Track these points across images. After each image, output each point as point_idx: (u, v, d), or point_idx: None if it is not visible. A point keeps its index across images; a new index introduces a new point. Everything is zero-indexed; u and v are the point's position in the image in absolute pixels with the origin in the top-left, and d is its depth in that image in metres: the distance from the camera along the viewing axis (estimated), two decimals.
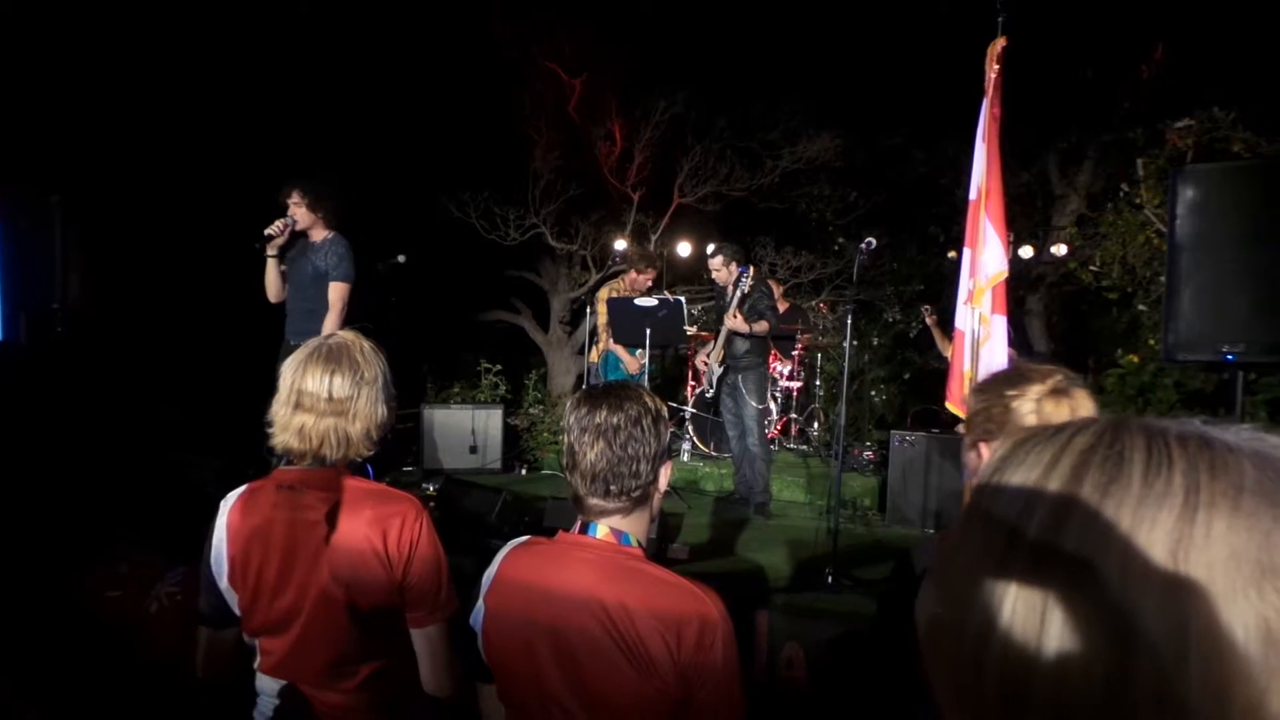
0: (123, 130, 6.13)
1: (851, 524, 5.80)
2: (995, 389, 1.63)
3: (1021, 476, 0.53)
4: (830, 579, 4.26)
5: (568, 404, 1.61)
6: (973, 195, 4.04)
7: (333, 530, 1.67)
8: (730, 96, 9.01)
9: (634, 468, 1.53)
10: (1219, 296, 2.83)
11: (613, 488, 1.53)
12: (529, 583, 1.53)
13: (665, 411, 1.62)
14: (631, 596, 1.45)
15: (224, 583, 1.75)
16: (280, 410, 1.74)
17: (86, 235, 5.48)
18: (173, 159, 6.40)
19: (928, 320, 6.95)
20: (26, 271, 5.28)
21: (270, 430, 1.75)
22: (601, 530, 1.55)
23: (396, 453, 7.24)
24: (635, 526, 1.58)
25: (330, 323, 4.60)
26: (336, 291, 4.63)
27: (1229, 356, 2.78)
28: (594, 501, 1.54)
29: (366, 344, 1.80)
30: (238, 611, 1.76)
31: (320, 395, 1.71)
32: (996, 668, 0.49)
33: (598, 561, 1.51)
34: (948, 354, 7.04)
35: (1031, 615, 0.48)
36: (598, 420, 1.54)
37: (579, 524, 1.58)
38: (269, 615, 1.71)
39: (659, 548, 4.61)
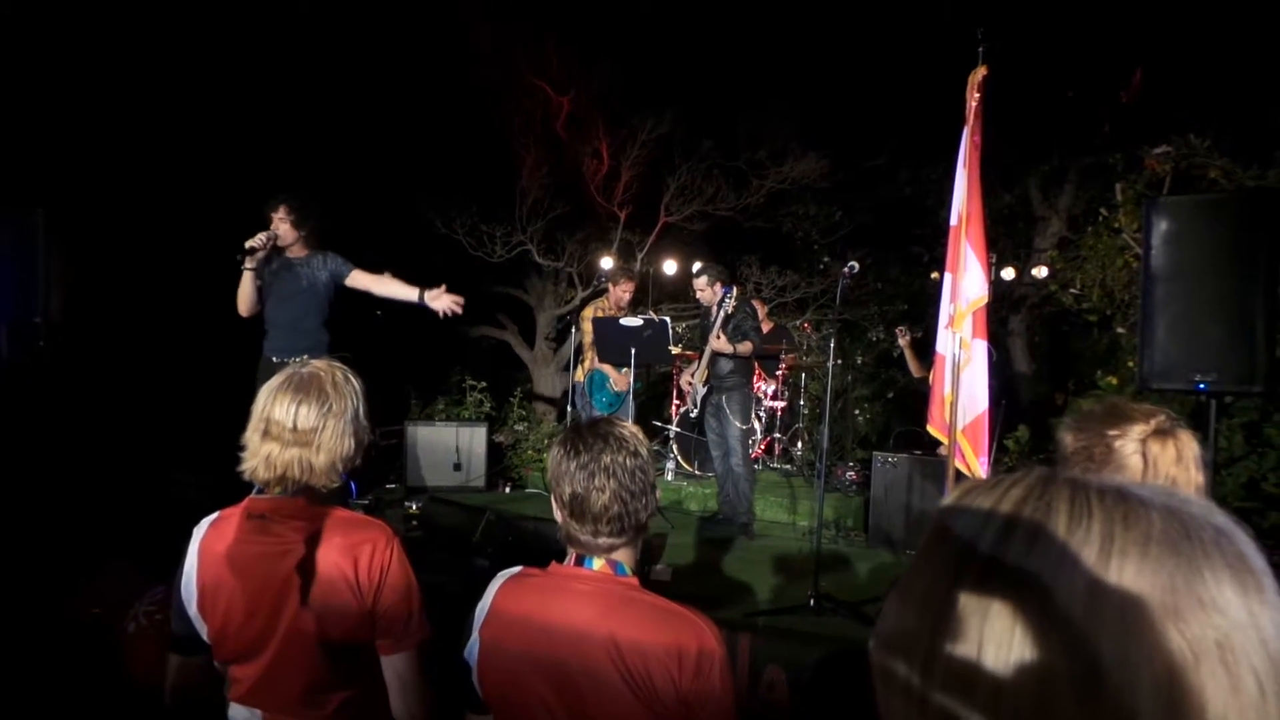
0: (107, 145, 6.12)
1: (835, 545, 5.81)
2: (1095, 428, 1.63)
3: (965, 522, 0.57)
4: (813, 601, 4.26)
5: (556, 452, 1.58)
6: (953, 221, 4.09)
7: (303, 558, 1.67)
8: (717, 116, 9.09)
9: (644, 502, 1.57)
10: (1192, 326, 2.87)
11: (626, 524, 1.54)
12: (526, 616, 1.53)
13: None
14: (633, 628, 1.46)
15: (193, 609, 1.74)
16: (250, 437, 1.74)
17: (70, 249, 5.44)
18: (157, 174, 6.39)
19: (901, 341, 7.00)
20: (9, 285, 5.23)
21: (242, 455, 1.75)
22: (598, 563, 1.56)
23: (380, 470, 7.21)
24: (629, 556, 1.60)
25: (394, 287, 4.63)
26: (364, 274, 4.64)
27: (1202, 386, 2.82)
28: (598, 540, 1.55)
29: (340, 374, 1.80)
30: (207, 639, 1.75)
31: (286, 424, 1.71)
32: (940, 684, 0.54)
33: (596, 594, 1.52)
34: (919, 375, 7.10)
35: (969, 639, 0.53)
36: (605, 462, 1.54)
37: (573, 556, 1.58)
38: (239, 643, 1.70)
39: (642, 569, 4.60)
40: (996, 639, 0.52)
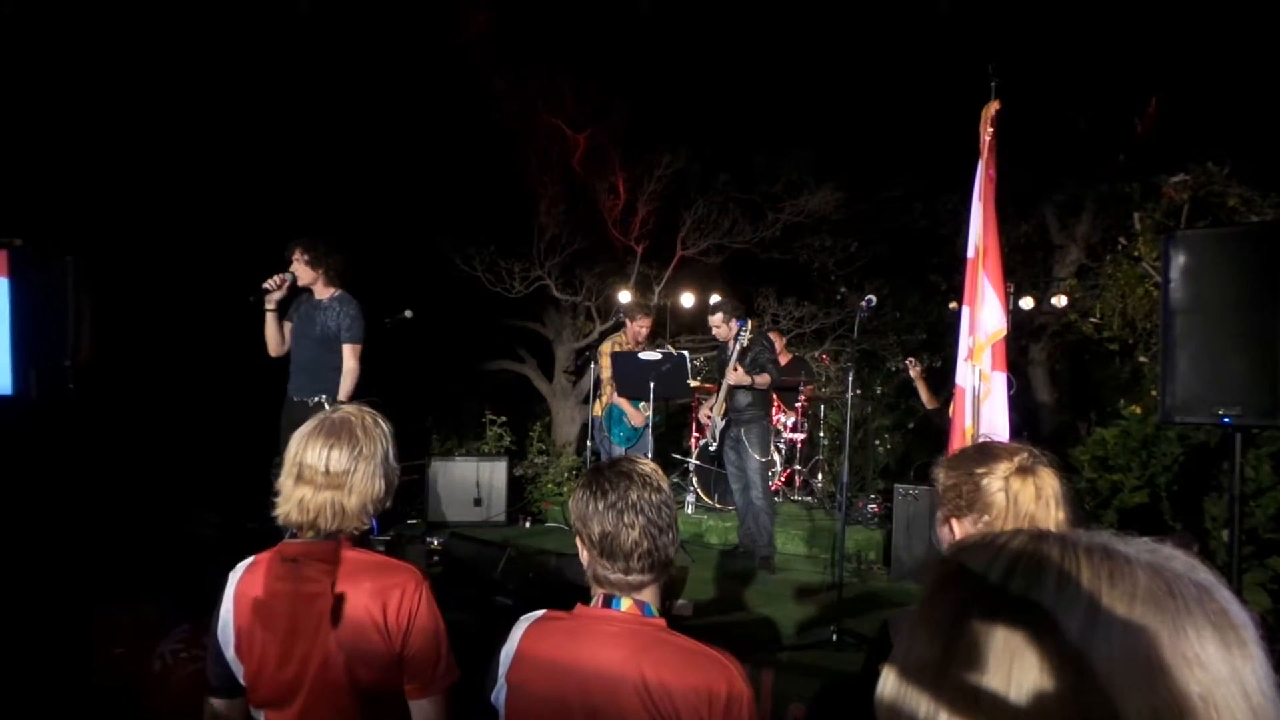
0: (135, 192, 6.26)
1: (856, 578, 5.77)
2: (964, 466, 1.67)
3: (961, 581, 0.60)
4: (835, 636, 4.23)
5: (582, 494, 1.60)
6: (970, 254, 4.11)
7: (333, 602, 1.70)
8: (732, 150, 9.16)
9: (670, 537, 1.59)
10: (1215, 359, 2.86)
11: (655, 560, 1.56)
12: (554, 659, 1.53)
13: None
14: (663, 670, 1.47)
15: (230, 653, 1.77)
16: (285, 482, 1.78)
17: (98, 294, 5.57)
18: (183, 219, 6.52)
19: (912, 372, 6.97)
20: (39, 329, 5.35)
21: (276, 500, 1.79)
22: (626, 603, 1.56)
23: (401, 506, 7.24)
24: (656, 596, 1.61)
25: (346, 386, 4.69)
26: (350, 353, 4.70)
27: (1226, 420, 2.80)
28: (629, 578, 1.56)
29: (370, 418, 1.84)
30: (243, 682, 1.77)
31: (318, 468, 1.75)
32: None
33: (625, 635, 1.52)
34: (931, 406, 7.07)
35: (966, 693, 0.56)
36: (633, 499, 1.55)
37: (600, 597, 1.59)
38: (273, 687, 1.73)
39: (663, 605, 4.59)
40: (993, 692, 0.54)
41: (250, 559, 1.82)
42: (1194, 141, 6.93)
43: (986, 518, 1.59)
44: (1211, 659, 0.52)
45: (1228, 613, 0.54)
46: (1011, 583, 0.57)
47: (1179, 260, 2.93)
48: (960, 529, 1.64)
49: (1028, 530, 0.62)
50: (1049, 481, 1.60)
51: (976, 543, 0.62)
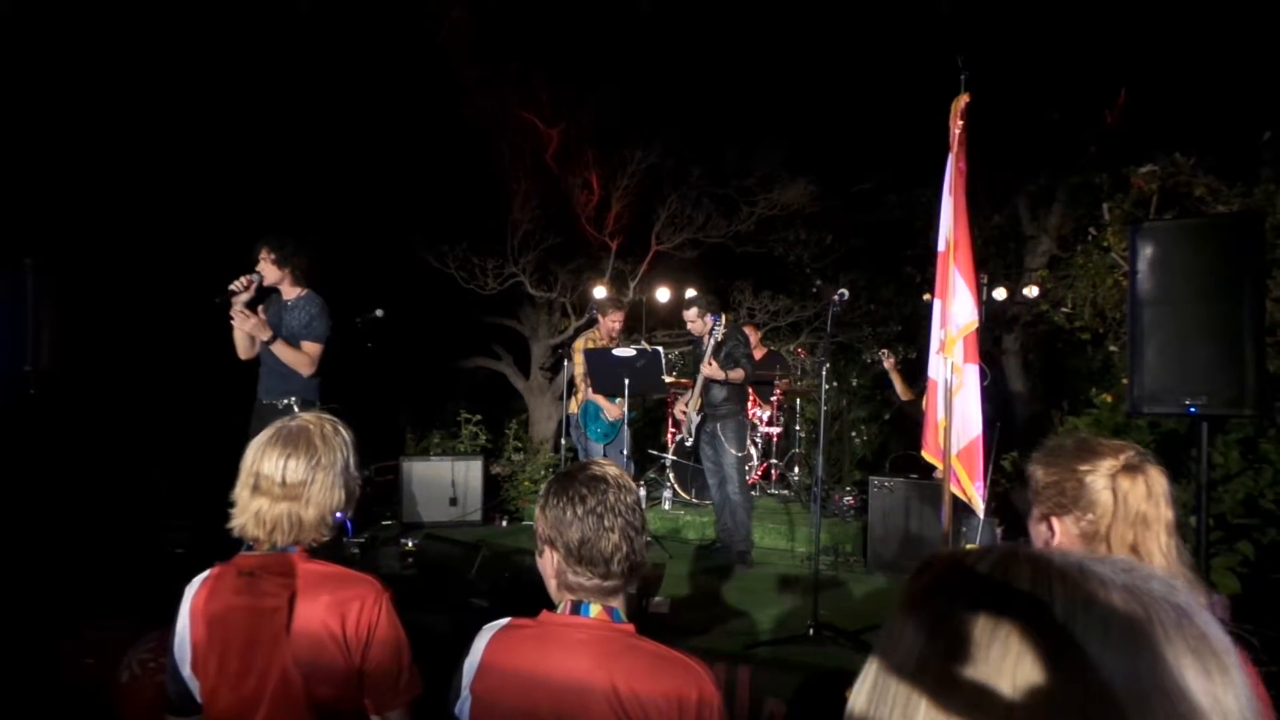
0: (96, 193, 6.14)
1: (833, 571, 5.78)
2: (1065, 463, 1.63)
3: (927, 608, 0.58)
4: (812, 631, 4.23)
5: (555, 503, 1.55)
6: (941, 247, 4.11)
7: (291, 616, 1.65)
8: (705, 145, 9.15)
9: (644, 539, 1.57)
10: (1182, 350, 2.88)
11: (633, 562, 1.54)
12: (521, 669, 1.50)
13: None
14: (634, 677, 1.45)
15: (187, 670, 1.72)
16: (240, 493, 1.73)
17: (60, 298, 5.45)
18: (146, 221, 6.40)
19: (886, 364, 6.98)
20: None
21: (232, 512, 1.74)
22: (594, 610, 1.53)
23: (376, 507, 7.17)
24: (622, 601, 1.58)
25: (298, 360, 4.58)
26: (309, 352, 4.62)
27: (1193, 409, 2.82)
28: (606, 583, 1.53)
29: (329, 426, 1.79)
30: (199, 699, 1.73)
31: (275, 479, 1.70)
32: None
33: (594, 642, 1.49)
34: (906, 398, 7.10)
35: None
36: (611, 502, 1.53)
37: (567, 604, 1.55)
38: (230, 703, 1.68)
39: (639, 602, 4.57)
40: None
41: (205, 573, 1.77)
42: (1162, 132, 6.99)
43: (1091, 516, 1.56)
44: (1190, 688, 0.49)
45: (1207, 638, 0.52)
46: (980, 610, 0.54)
47: (1146, 252, 2.94)
48: (1062, 527, 1.61)
49: (1000, 548, 0.59)
50: (1158, 479, 1.57)
51: (946, 562, 0.60)
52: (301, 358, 4.59)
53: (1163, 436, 5.38)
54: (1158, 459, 1.63)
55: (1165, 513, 1.55)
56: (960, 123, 4.08)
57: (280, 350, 4.56)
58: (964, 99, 4.09)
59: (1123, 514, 1.54)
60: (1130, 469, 1.57)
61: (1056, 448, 1.72)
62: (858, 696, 0.60)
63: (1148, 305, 2.94)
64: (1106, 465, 1.58)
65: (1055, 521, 1.63)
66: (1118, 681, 0.49)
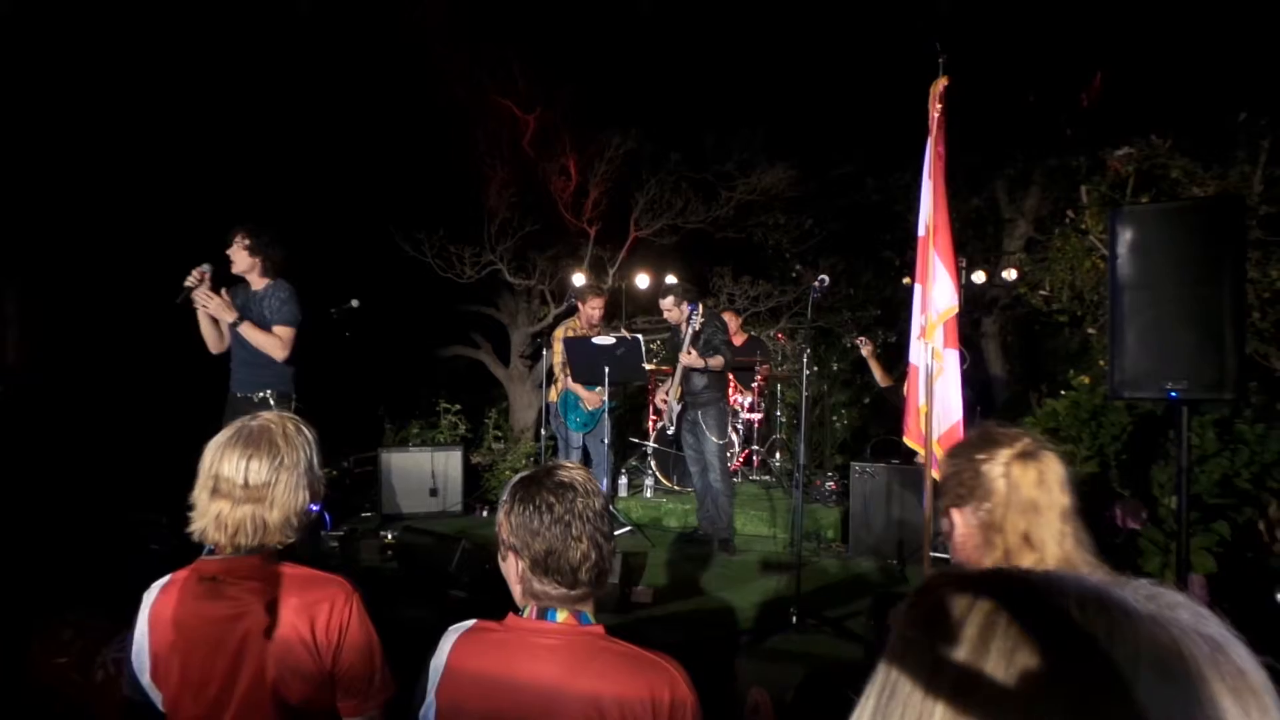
0: (61, 188, 5.98)
1: (816, 557, 5.78)
2: (965, 453, 1.63)
3: (930, 638, 0.52)
4: (795, 619, 4.22)
5: (521, 510, 1.49)
6: (921, 232, 4.08)
7: (257, 621, 1.60)
8: (683, 130, 9.08)
9: (612, 544, 1.53)
10: (1161, 334, 2.87)
11: (601, 569, 1.50)
12: (486, 674, 1.45)
13: None
14: (604, 681, 1.41)
15: (146, 679, 1.67)
16: (199, 495, 1.67)
17: (23, 296, 5.32)
18: (113, 211, 6.26)
19: (864, 351, 6.96)
20: None
21: (190, 515, 1.68)
22: (562, 614, 1.49)
23: (354, 498, 7.10)
24: (590, 604, 1.54)
25: (269, 344, 4.46)
26: (281, 335, 4.50)
27: (1173, 394, 2.81)
28: (573, 591, 1.48)
29: (291, 425, 1.73)
30: (162, 709, 1.67)
31: (236, 481, 1.64)
32: None
33: (562, 647, 1.45)
34: (885, 385, 7.11)
35: None
36: (579, 509, 1.48)
37: (533, 609, 1.51)
38: (194, 712, 1.63)
39: (622, 591, 4.54)
40: None
41: (165, 579, 1.71)
42: (1138, 115, 6.99)
43: (987, 505, 1.55)
44: None
45: (1245, 675, 0.46)
46: (991, 642, 0.49)
47: (1126, 235, 2.93)
48: (961, 518, 1.60)
49: (1009, 570, 0.54)
50: (1053, 466, 1.56)
51: (946, 583, 0.54)
52: (273, 341, 4.46)
53: (1140, 419, 5.41)
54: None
55: (1059, 499, 1.54)
56: (939, 106, 4.05)
57: (249, 333, 4.41)
58: (942, 83, 4.06)
59: (1015, 501, 1.53)
60: (1024, 456, 1.57)
61: (964, 440, 1.73)
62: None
63: (1127, 289, 2.93)
64: (1003, 454, 1.58)
65: (955, 513, 1.62)
66: None
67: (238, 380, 4.60)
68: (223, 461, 1.65)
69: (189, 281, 4.32)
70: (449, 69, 8.19)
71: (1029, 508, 1.52)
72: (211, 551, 1.68)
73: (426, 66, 8.06)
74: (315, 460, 1.75)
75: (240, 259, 4.52)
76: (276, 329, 4.49)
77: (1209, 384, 2.78)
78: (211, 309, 4.37)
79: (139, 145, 6.43)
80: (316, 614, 1.63)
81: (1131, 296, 2.94)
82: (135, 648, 1.67)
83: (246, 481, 1.64)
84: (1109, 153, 6.58)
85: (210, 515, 1.65)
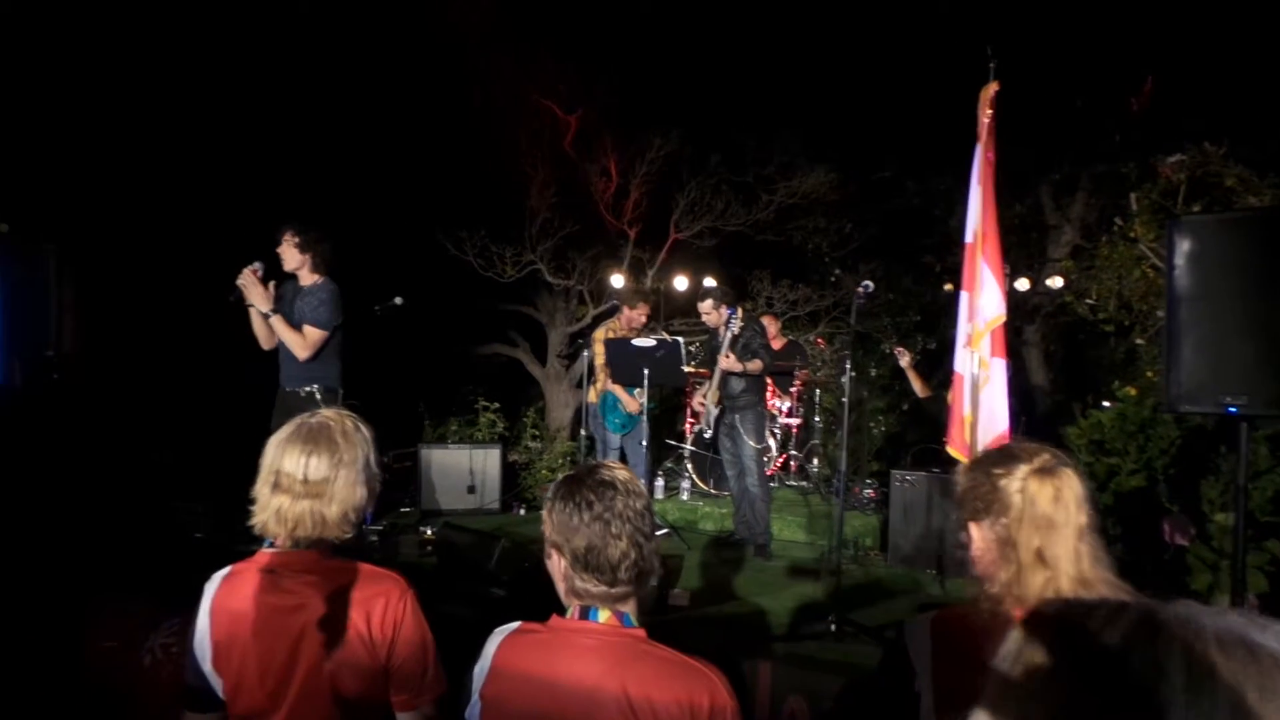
0: (118, 178, 6.14)
1: (853, 564, 5.73)
2: (983, 468, 1.62)
3: (1061, 654, 0.49)
4: (833, 626, 4.19)
5: (562, 508, 1.52)
6: (969, 239, 4.04)
7: (315, 614, 1.64)
8: (724, 132, 9.07)
9: (653, 545, 1.54)
10: (1221, 348, 2.80)
11: (642, 569, 1.51)
12: (530, 674, 1.48)
13: None
14: (644, 683, 1.42)
15: (208, 666, 1.71)
16: (260, 490, 1.71)
17: (81, 283, 5.47)
18: (168, 204, 6.40)
19: (902, 362, 6.88)
20: (22, 318, 5.27)
21: (252, 509, 1.72)
22: (604, 614, 1.50)
23: (394, 494, 7.18)
24: (634, 606, 1.55)
25: (302, 356, 4.54)
26: (308, 335, 4.56)
27: (1232, 409, 2.75)
28: (613, 590, 1.50)
29: (350, 422, 1.77)
30: (222, 696, 1.71)
31: (297, 476, 1.68)
32: None
33: (604, 648, 1.47)
34: (924, 395, 7.03)
35: None
36: (619, 508, 1.49)
37: (576, 609, 1.53)
38: (253, 701, 1.67)
39: (659, 594, 4.55)
40: None
41: (226, 569, 1.76)
42: (1191, 121, 6.85)
43: (1004, 520, 1.54)
44: None
45: None
46: (1128, 668, 0.46)
47: (1183, 246, 2.87)
48: (978, 533, 1.59)
49: (1140, 603, 0.51)
50: (1071, 483, 1.54)
51: (1074, 607, 0.53)
52: (298, 339, 4.53)
53: (1189, 432, 5.29)
54: (1077, 464, 1.59)
55: (1076, 517, 1.52)
56: (989, 112, 4.01)
57: (278, 327, 4.50)
58: (993, 87, 4.02)
59: (1029, 517, 1.52)
60: (1043, 472, 1.55)
61: (981, 454, 1.73)
62: None
63: (1185, 301, 2.87)
64: (1021, 469, 1.56)
65: (973, 527, 1.61)
66: None
67: (286, 375, 4.70)
68: (284, 457, 1.69)
69: (241, 281, 4.41)
70: (492, 70, 8.27)
71: (1044, 524, 1.51)
72: (272, 545, 1.72)
73: (470, 68, 8.14)
74: (372, 457, 1.79)
75: (290, 256, 4.61)
76: (306, 328, 4.57)
77: (1270, 399, 2.72)
78: (254, 297, 4.44)
79: (199, 143, 6.58)
80: (372, 609, 1.66)
81: (1189, 308, 2.88)
82: (197, 636, 1.71)
83: (306, 477, 1.68)
84: (1160, 159, 6.47)
85: (271, 509, 1.68)
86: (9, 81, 5.73)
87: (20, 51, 5.74)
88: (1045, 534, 1.50)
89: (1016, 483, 1.55)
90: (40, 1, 5.75)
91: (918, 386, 6.83)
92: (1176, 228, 2.95)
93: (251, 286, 4.42)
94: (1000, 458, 1.61)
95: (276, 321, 4.50)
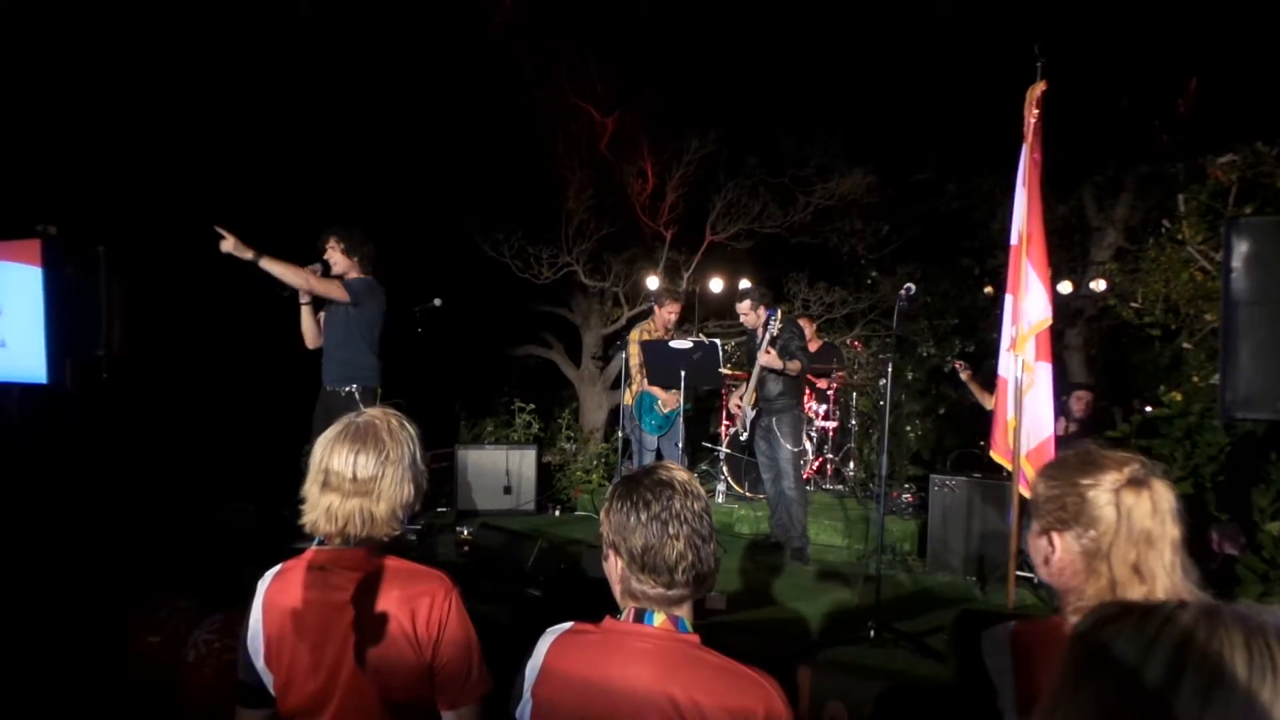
0: (167, 180, 6.26)
1: (891, 570, 5.67)
2: (1066, 476, 1.55)
3: (1121, 652, 0.50)
4: (873, 633, 4.15)
5: (620, 507, 1.51)
6: (1014, 240, 3.98)
7: (362, 611, 1.65)
8: (761, 133, 9.02)
9: (711, 548, 1.51)
10: (1278, 353, 2.73)
11: (700, 572, 1.48)
12: (582, 676, 1.47)
13: None
14: (697, 690, 1.40)
15: (260, 663, 1.73)
16: (310, 489, 1.73)
17: (131, 284, 5.59)
18: (215, 207, 6.51)
19: (963, 376, 6.74)
20: (72, 319, 5.39)
21: (302, 508, 1.74)
22: (659, 618, 1.49)
23: (431, 494, 7.24)
24: (689, 610, 1.53)
25: (295, 278, 4.51)
26: (315, 273, 4.58)
27: None
28: (670, 592, 1.48)
29: (395, 421, 1.78)
30: (273, 692, 1.73)
31: (345, 475, 1.70)
32: None
33: (657, 652, 1.45)
34: (990, 406, 6.91)
35: None
36: (677, 509, 1.47)
37: (630, 611, 1.51)
38: (303, 697, 1.69)
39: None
40: None
41: (278, 567, 1.78)
42: (1239, 121, 6.69)
43: (1093, 533, 1.48)
44: None
45: None
46: (1181, 683, 0.46)
47: (1241, 249, 2.80)
48: (1063, 544, 1.52)
49: (1191, 604, 0.50)
50: (1165, 494, 1.48)
51: (1124, 615, 0.52)
52: (296, 274, 4.47)
53: (1239, 439, 5.17)
54: (1166, 471, 1.53)
55: (1171, 530, 1.45)
56: (1036, 112, 3.94)
57: (269, 265, 4.40)
58: (1040, 87, 3.95)
59: (1125, 531, 1.45)
60: (1135, 483, 1.48)
61: (1061, 460, 1.64)
62: None
63: (1242, 305, 2.79)
64: (1110, 479, 1.49)
65: (1055, 537, 1.54)
66: None
67: (328, 374, 4.79)
68: (332, 456, 1.71)
69: (224, 246, 4.40)
70: (529, 72, 8.31)
71: (1142, 539, 1.44)
72: (322, 542, 1.74)
73: (508, 70, 8.19)
74: (418, 456, 1.80)
75: (337, 260, 4.71)
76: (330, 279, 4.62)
77: None
78: (228, 246, 4.35)
79: (247, 146, 6.69)
80: (418, 607, 1.67)
81: (1246, 312, 2.81)
82: (250, 632, 1.73)
83: (354, 475, 1.70)
84: (1210, 160, 6.31)
85: (321, 508, 1.70)
86: (61, 85, 5.87)
87: (72, 57, 5.88)
88: (1143, 549, 1.44)
89: (1106, 494, 1.48)
90: (97, 6, 5.88)
91: (983, 399, 6.64)
92: (1234, 229, 2.88)
93: (228, 241, 4.36)
94: (1085, 465, 1.54)
95: (266, 261, 4.39)
